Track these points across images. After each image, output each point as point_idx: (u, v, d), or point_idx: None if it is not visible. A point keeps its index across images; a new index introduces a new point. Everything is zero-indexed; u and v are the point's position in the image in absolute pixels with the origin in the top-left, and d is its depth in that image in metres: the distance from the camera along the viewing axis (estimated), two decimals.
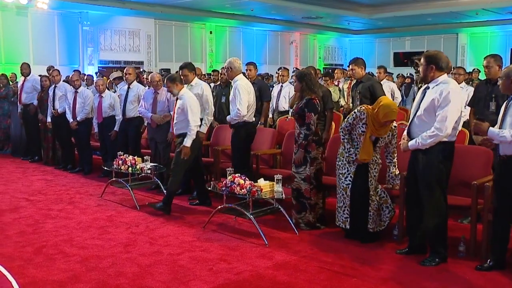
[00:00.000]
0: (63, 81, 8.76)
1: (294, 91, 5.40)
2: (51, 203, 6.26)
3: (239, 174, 5.03)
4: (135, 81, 7.50)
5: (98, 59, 15.90)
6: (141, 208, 5.90)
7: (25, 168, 8.65)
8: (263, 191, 4.85)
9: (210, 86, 7.27)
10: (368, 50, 23.43)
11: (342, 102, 8.99)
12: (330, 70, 11.91)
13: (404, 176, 4.52)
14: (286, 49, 21.85)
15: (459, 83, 6.01)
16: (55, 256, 4.41)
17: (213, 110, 6.65)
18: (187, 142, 5.62)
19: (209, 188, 5.42)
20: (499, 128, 3.88)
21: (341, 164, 4.76)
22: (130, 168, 6.13)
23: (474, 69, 13.06)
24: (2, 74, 10.28)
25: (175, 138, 5.98)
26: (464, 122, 5.66)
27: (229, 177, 5.00)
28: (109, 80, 9.33)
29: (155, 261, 4.28)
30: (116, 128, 7.58)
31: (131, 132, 7.38)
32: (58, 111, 8.31)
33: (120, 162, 6.23)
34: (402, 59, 22.18)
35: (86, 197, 6.56)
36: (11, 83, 10.44)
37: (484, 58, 5.49)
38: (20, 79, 9.59)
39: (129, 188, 6.17)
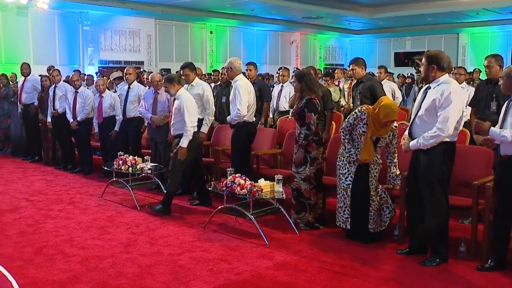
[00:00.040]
0: (64, 81, 8.75)
1: (294, 91, 5.39)
2: (51, 203, 6.26)
3: (240, 174, 5.02)
4: (135, 81, 7.50)
5: (99, 59, 15.89)
6: (141, 208, 5.90)
7: (25, 168, 8.64)
8: (263, 191, 4.84)
9: (211, 86, 7.27)
10: (368, 50, 23.41)
11: (343, 102, 8.98)
12: (330, 70, 11.91)
13: (405, 176, 4.51)
14: (287, 49, 21.83)
15: (460, 83, 6.00)
16: (55, 256, 4.40)
17: (214, 110, 6.65)
18: (183, 143, 5.59)
19: (209, 188, 5.42)
20: (500, 128, 3.88)
21: (342, 164, 4.75)
22: (130, 168, 6.13)
23: (475, 69, 13.04)
24: (2, 74, 10.27)
25: (173, 138, 5.97)
26: (465, 122, 5.66)
27: (229, 177, 5.00)
28: (109, 80, 9.33)
29: (155, 261, 4.28)
30: (117, 128, 7.58)
31: (132, 132, 7.38)
32: (58, 111, 8.30)
33: (121, 162, 6.22)
34: (402, 59, 22.17)
35: (87, 197, 6.55)
36: (11, 83, 10.43)
37: (485, 58, 5.47)
38: (20, 79, 9.57)
39: (130, 188, 6.16)
